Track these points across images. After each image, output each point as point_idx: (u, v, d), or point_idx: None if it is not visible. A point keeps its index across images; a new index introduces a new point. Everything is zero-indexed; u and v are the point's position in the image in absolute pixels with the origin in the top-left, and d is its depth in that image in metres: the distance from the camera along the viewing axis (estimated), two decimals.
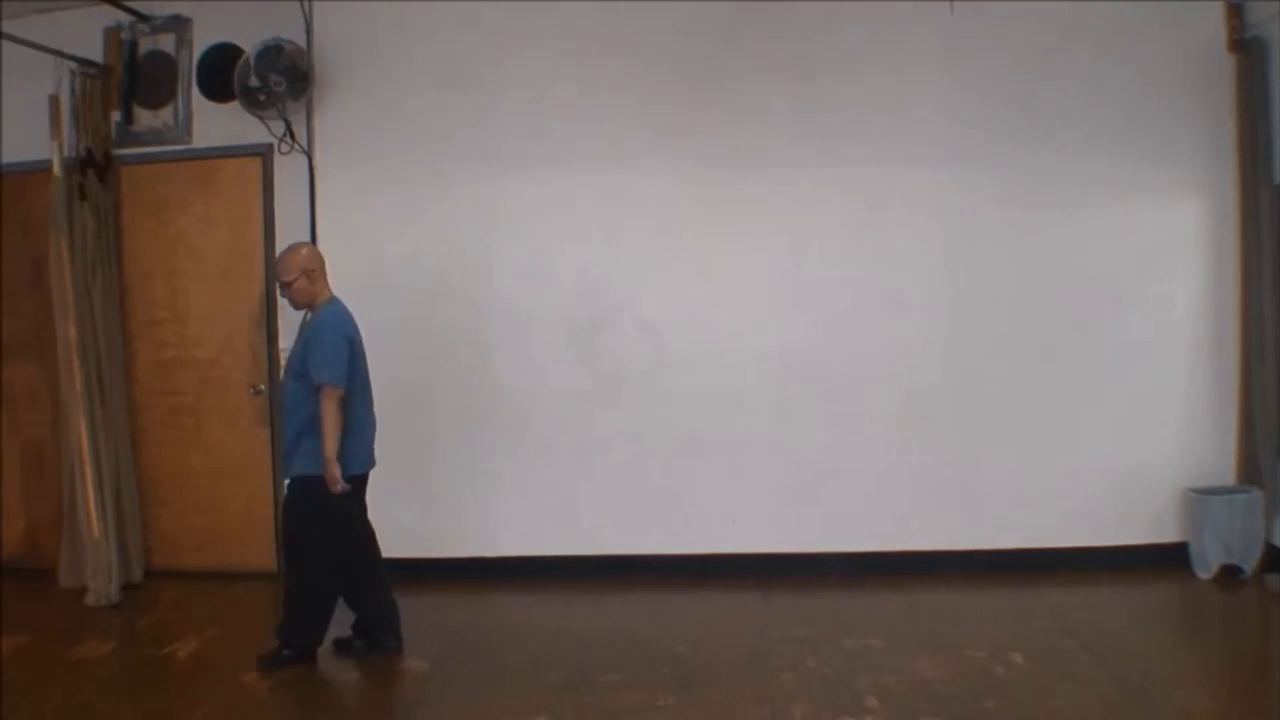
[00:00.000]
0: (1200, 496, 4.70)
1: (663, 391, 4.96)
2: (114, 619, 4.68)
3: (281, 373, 4.11)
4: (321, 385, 3.86)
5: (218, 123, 5.09)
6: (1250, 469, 4.73)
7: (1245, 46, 4.68)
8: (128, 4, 5.05)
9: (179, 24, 5.17)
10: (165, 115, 5.20)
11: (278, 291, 4.13)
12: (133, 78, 5.19)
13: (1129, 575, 4.74)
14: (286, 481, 4.10)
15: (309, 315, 4.09)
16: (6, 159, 5.09)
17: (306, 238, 5.03)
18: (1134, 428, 4.85)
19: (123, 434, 5.05)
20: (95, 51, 5.12)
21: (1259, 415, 4.68)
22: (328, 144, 5.05)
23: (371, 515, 5.07)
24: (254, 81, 4.77)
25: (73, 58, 4.94)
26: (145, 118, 5.22)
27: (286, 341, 5.04)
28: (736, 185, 4.90)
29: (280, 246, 5.03)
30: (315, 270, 4.05)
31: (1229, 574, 4.66)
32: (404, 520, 5.04)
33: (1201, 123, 4.77)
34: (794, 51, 4.87)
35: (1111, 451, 4.85)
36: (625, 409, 4.98)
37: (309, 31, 4.94)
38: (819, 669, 3.83)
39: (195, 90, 5.15)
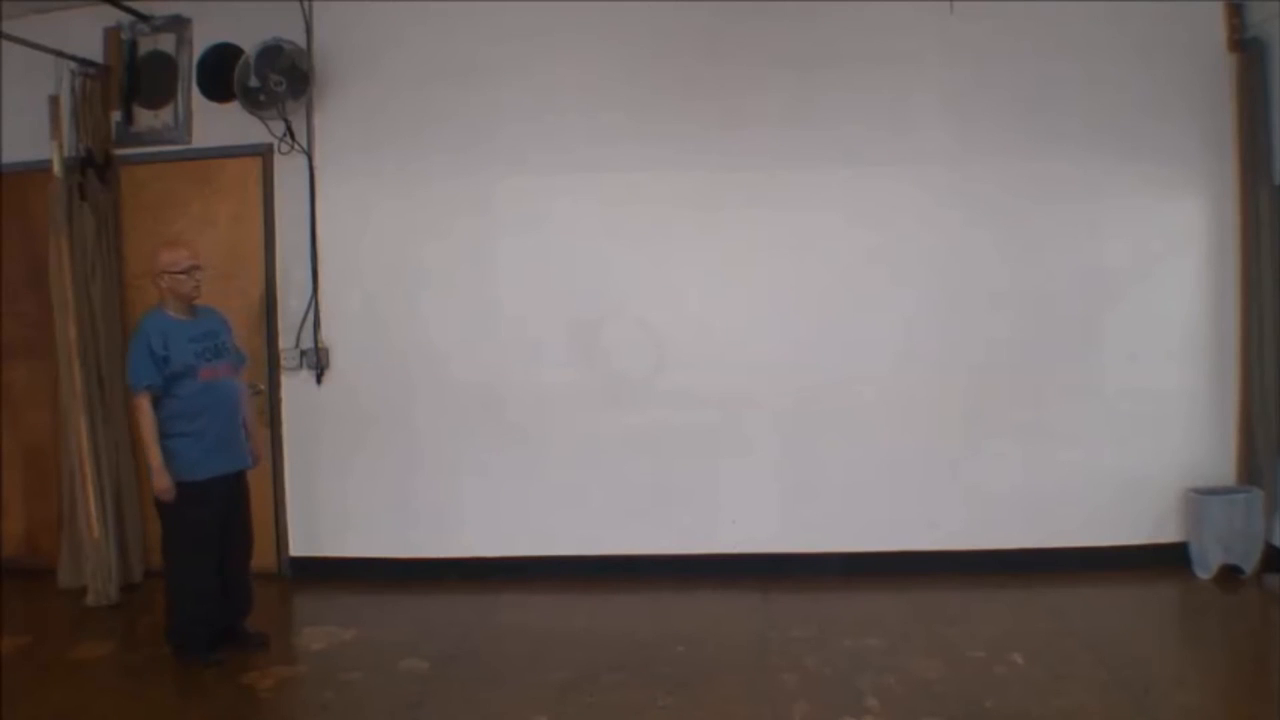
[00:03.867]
0: (1200, 496, 4.70)
1: (663, 391, 4.97)
2: (114, 619, 4.68)
3: (216, 363, 4.07)
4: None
5: (218, 123, 5.09)
6: (1250, 469, 4.73)
7: (1245, 46, 4.68)
8: (128, 4, 5.05)
9: (179, 24, 5.17)
10: (165, 115, 5.20)
11: (188, 278, 4.04)
12: (133, 78, 5.18)
13: (1129, 575, 4.74)
14: (239, 472, 4.17)
15: (196, 312, 4.12)
16: (6, 159, 5.09)
17: (307, 237, 5.04)
18: (1134, 428, 4.85)
19: (123, 434, 5.04)
20: (95, 51, 5.12)
21: (1259, 415, 4.69)
22: (328, 144, 5.05)
23: (370, 515, 5.09)
24: (254, 81, 4.77)
25: (73, 58, 4.94)
26: (145, 118, 5.21)
27: (286, 341, 5.06)
28: (738, 184, 4.89)
29: (281, 246, 5.09)
30: None
31: (1229, 574, 4.66)
32: (404, 520, 5.07)
33: (1201, 123, 4.78)
34: (796, 51, 4.87)
35: (1112, 452, 4.86)
36: (626, 409, 4.98)
37: (309, 31, 4.94)
38: (819, 669, 3.83)
39: (195, 90, 5.14)
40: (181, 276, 4.03)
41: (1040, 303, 4.87)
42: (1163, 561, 4.78)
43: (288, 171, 5.06)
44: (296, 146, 5.02)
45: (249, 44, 4.84)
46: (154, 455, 3.92)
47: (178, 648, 4.08)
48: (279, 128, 4.97)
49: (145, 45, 5.20)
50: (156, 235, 5.16)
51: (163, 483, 3.92)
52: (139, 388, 3.95)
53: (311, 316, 5.05)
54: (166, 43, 5.19)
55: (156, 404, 3.96)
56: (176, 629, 4.07)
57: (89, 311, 4.92)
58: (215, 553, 4.07)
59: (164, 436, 3.94)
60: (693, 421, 4.95)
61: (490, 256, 5.03)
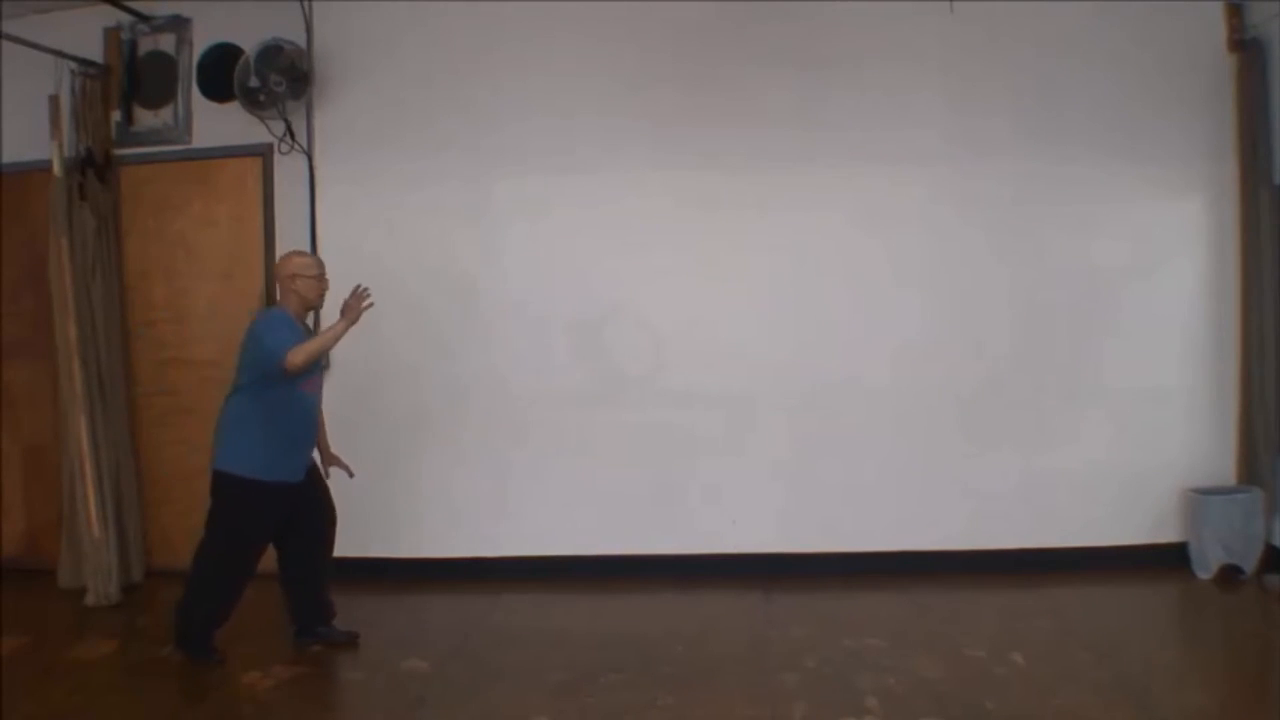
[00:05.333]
0: (1200, 496, 4.70)
1: (663, 392, 4.97)
2: (114, 619, 4.68)
3: (314, 377, 4.10)
4: None
5: (218, 123, 5.09)
6: (1250, 469, 4.73)
7: (1245, 46, 4.68)
8: (128, 4, 5.05)
9: (179, 24, 5.17)
10: (165, 115, 5.20)
11: (318, 283, 4.09)
12: (133, 78, 5.19)
13: (1129, 575, 4.75)
14: (305, 482, 4.14)
15: (309, 324, 4.19)
16: (6, 159, 5.10)
17: (306, 237, 5.04)
18: (1134, 428, 4.85)
19: (123, 434, 5.05)
20: (95, 51, 5.12)
21: (1259, 415, 4.69)
22: (328, 144, 5.05)
23: (371, 515, 5.09)
24: (254, 81, 4.77)
25: (73, 58, 4.94)
26: (145, 118, 5.22)
27: None
28: (737, 184, 4.90)
29: (281, 246, 5.05)
30: None
31: (1229, 574, 4.66)
32: (404, 521, 5.07)
33: (1202, 123, 4.78)
34: (795, 51, 4.87)
35: (1111, 451, 4.86)
36: (626, 409, 4.98)
37: (309, 31, 4.94)
38: (819, 669, 3.83)
39: (195, 90, 5.15)
40: (313, 280, 4.06)
41: (1040, 302, 4.88)
42: (1163, 561, 4.78)
43: (288, 171, 5.07)
44: (296, 146, 5.02)
45: (249, 44, 4.83)
46: (335, 329, 3.92)
47: (182, 642, 4.05)
48: (279, 128, 4.97)
49: (145, 45, 5.20)
50: (157, 235, 5.19)
51: (353, 302, 3.92)
52: (283, 350, 3.85)
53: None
54: (166, 43, 5.19)
55: (255, 396, 3.93)
56: (187, 624, 4.04)
57: (89, 311, 4.92)
58: (256, 558, 4.07)
59: (243, 428, 3.94)
60: (693, 421, 4.95)
61: (490, 256, 5.03)
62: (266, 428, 3.96)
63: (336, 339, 3.96)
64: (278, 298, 4.17)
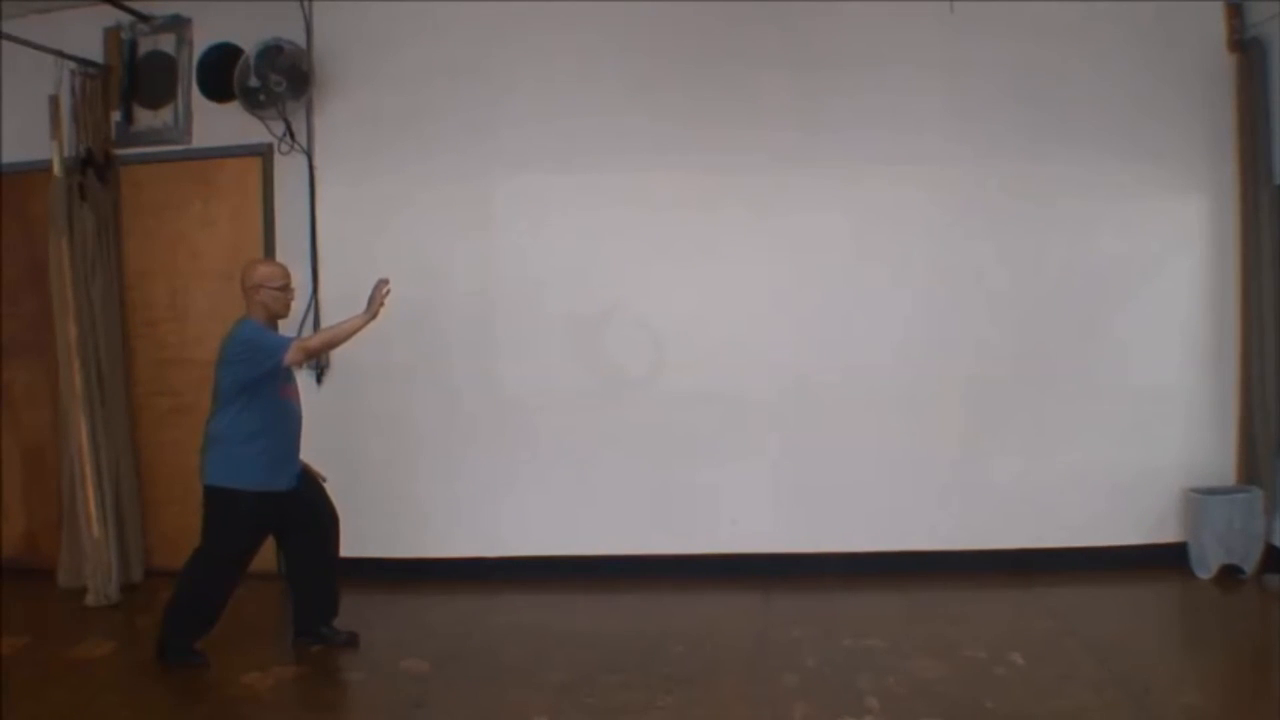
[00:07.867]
0: (1200, 496, 4.70)
1: (663, 392, 4.97)
2: (114, 619, 4.68)
3: (290, 384, 4.08)
4: None
5: (218, 123, 5.09)
6: (1250, 469, 4.73)
7: (1245, 46, 4.68)
8: (128, 4, 5.05)
9: (179, 24, 5.17)
10: (165, 115, 5.20)
11: (283, 294, 4.05)
12: (133, 78, 5.19)
13: (1129, 575, 4.75)
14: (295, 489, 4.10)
15: (278, 331, 4.14)
16: (6, 159, 5.10)
17: (306, 237, 5.04)
18: (1134, 428, 4.85)
19: (123, 434, 5.05)
20: (95, 51, 5.12)
21: (1259, 415, 4.68)
22: (328, 144, 5.05)
23: (370, 515, 5.09)
24: (254, 81, 4.77)
25: (73, 58, 4.94)
26: (145, 118, 5.22)
27: None
28: (737, 184, 4.90)
29: (280, 246, 5.08)
30: None
31: (1229, 574, 4.66)
32: (404, 520, 5.07)
33: (1201, 123, 4.78)
34: (796, 50, 4.88)
35: (1112, 451, 4.85)
36: (626, 410, 4.98)
37: (309, 31, 4.94)
38: (819, 669, 3.83)
39: (195, 90, 5.15)
40: (277, 292, 4.01)
41: (1040, 303, 4.88)
42: (1163, 561, 4.78)
43: (288, 171, 5.07)
44: (296, 146, 5.02)
45: (249, 44, 4.84)
46: (353, 322, 3.89)
47: (165, 651, 4.02)
48: (279, 128, 4.97)
49: (145, 45, 5.20)
50: (157, 235, 5.19)
51: (377, 290, 3.89)
52: (285, 347, 3.87)
53: (311, 316, 5.05)
54: (166, 43, 5.19)
55: (242, 408, 3.90)
56: (176, 632, 4.03)
57: (89, 311, 4.92)
58: (247, 566, 4.06)
59: (236, 441, 3.90)
60: (693, 421, 4.95)
61: (490, 256, 5.03)
62: (257, 439, 3.93)
63: (354, 332, 3.93)
64: (246, 308, 4.05)
